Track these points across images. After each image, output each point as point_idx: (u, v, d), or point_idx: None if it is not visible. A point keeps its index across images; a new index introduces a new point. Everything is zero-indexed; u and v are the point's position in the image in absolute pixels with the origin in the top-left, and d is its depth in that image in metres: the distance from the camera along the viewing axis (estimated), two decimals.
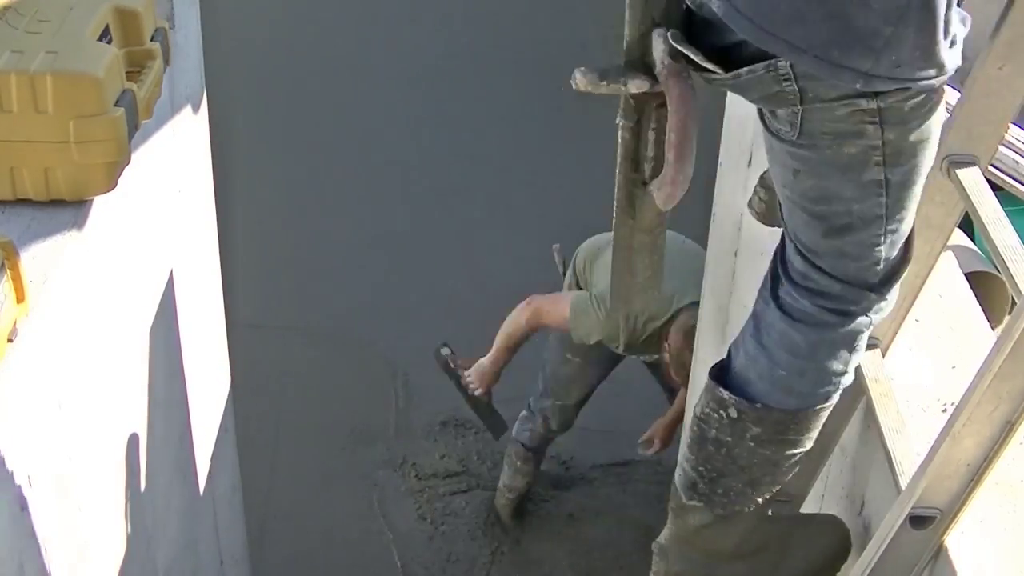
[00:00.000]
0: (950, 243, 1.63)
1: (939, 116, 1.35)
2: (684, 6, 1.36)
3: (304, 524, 4.21)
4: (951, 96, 2.18)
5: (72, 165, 1.95)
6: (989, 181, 1.54)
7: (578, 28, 7.05)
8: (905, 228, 1.42)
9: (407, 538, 4.19)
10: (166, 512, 2.71)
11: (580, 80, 1.36)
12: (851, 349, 1.48)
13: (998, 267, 1.41)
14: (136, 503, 2.40)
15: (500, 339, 3.92)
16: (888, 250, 1.41)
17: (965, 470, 1.34)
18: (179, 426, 2.85)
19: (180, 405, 2.85)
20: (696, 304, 3.34)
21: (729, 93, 2.82)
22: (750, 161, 2.57)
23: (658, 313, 3.48)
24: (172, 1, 2.63)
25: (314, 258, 5.41)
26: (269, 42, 6.79)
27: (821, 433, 1.73)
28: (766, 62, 1.29)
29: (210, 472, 3.18)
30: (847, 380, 1.52)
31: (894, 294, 1.47)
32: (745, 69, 1.30)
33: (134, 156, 2.09)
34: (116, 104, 1.98)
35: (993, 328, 1.92)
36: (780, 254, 1.51)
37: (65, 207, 1.98)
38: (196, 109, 2.88)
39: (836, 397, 1.53)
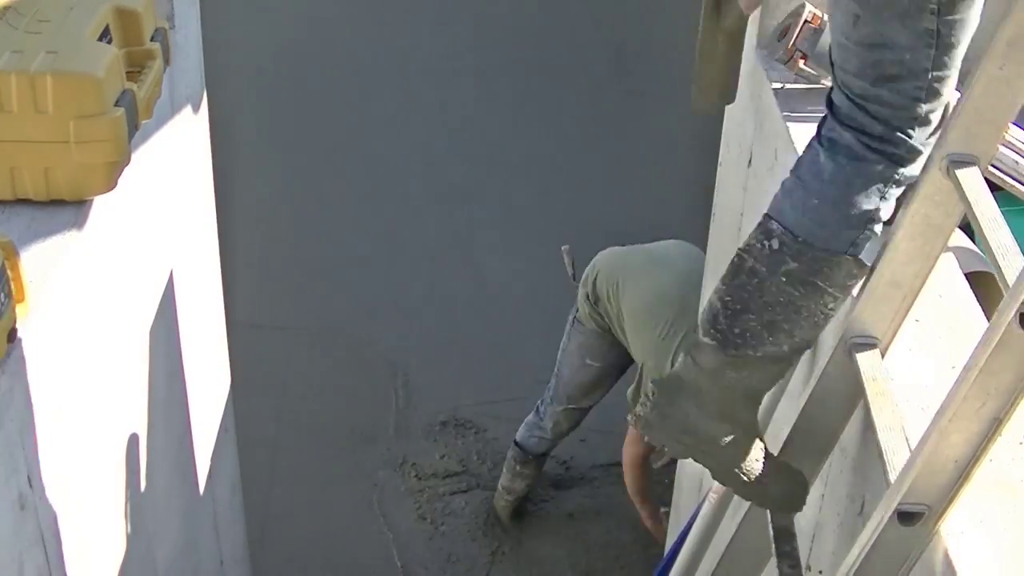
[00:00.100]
0: (950, 243, 1.64)
1: None
2: None
3: (304, 524, 4.21)
4: (952, 96, 2.19)
5: (72, 165, 1.95)
6: (989, 181, 1.55)
7: (579, 28, 7.06)
8: (946, 90, 1.54)
9: (407, 538, 4.19)
10: (166, 512, 2.71)
11: None
12: (882, 195, 1.58)
13: (992, 265, 1.41)
14: (136, 503, 2.40)
15: (635, 498, 4.04)
16: (929, 103, 1.54)
17: (953, 466, 1.33)
18: (179, 426, 2.85)
19: (180, 405, 2.85)
20: None
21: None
22: (750, 161, 2.57)
23: None
24: (172, 1, 2.63)
25: (314, 258, 5.41)
26: (269, 42, 6.79)
27: (821, 433, 1.73)
28: None
29: (210, 472, 3.18)
30: (874, 232, 1.59)
31: (928, 149, 1.56)
32: None
33: (134, 156, 2.09)
34: (116, 104, 1.98)
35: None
36: (828, 102, 1.63)
37: (65, 207, 1.98)
38: (196, 109, 2.88)
39: (864, 254, 1.60)
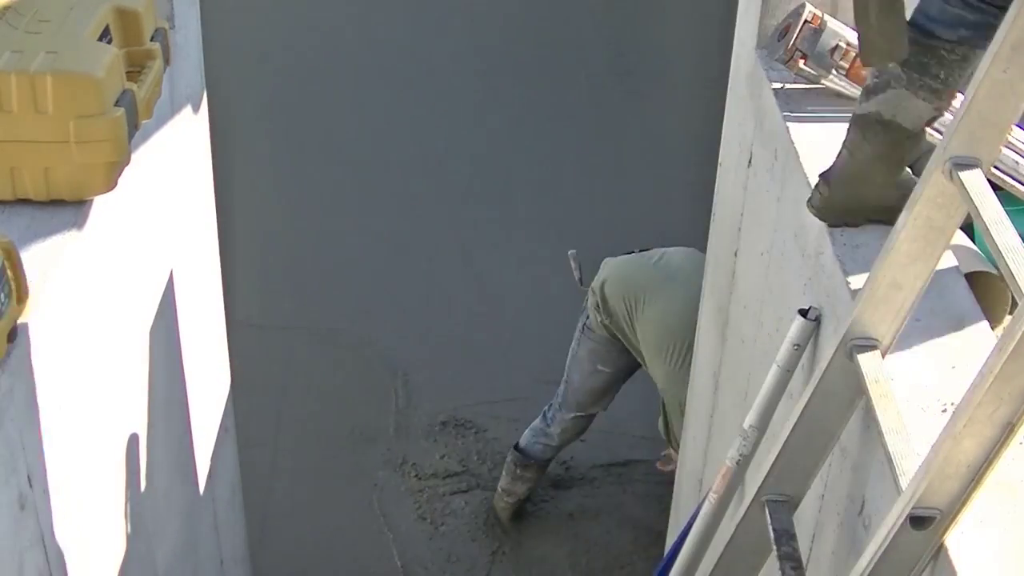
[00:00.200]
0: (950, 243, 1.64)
1: None
2: None
3: (304, 524, 4.21)
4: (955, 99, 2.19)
5: (72, 165, 1.95)
6: (990, 181, 1.55)
7: (579, 28, 7.06)
8: None
9: (407, 538, 4.19)
10: (166, 512, 2.71)
11: None
12: None
13: (999, 268, 1.41)
14: (136, 503, 2.40)
15: None
16: None
17: (966, 471, 1.34)
18: (179, 426, 2.85)
19: (180, 405, 2.85)
20: None
21: (729, 94, 2.83)
22: (750, 161, 2.57)
23: None
24: (172, 1, 2.63)
25: (314, 258, 5.41)
26: (269, 42, 6.80)
27: (821, 433, 1.73)
28: None
29: (210, 472, 3.18)
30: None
31: None
32: None
33: (134, 156, 2.09)
34: (116, 104, 1.98)
35: (993, 328, 1.92)
36: None
37: (65, 207, 1.98)
38: (196, 109, 2.88)
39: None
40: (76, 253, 1.94)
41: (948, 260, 1.92)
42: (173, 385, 2.76)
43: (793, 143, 2.18)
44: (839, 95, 2.31)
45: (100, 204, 2.04)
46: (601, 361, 3.86)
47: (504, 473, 4.18)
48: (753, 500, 1.81)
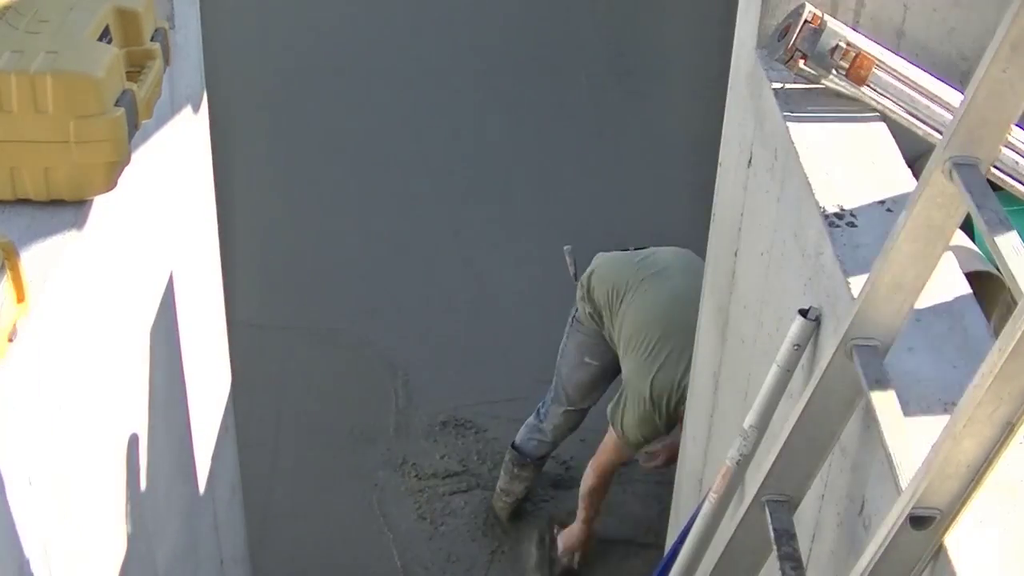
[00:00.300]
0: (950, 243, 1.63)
1: None
2: None
3: (304, 524, 4.21)
4: (954, 98, 2.19)
5: (72, 165, 1.95)
6: (989, 181, 1.55)
7: (579, 28, 7.06)
8: None
9: (407, 538, 4.19)
10: (166, 512, 2.71)
11: None
12: None
13: (999, 268, 1.41)
14: (136, 503, 2.40)
15: (587, 499, 3.99)
16: None
17: (966, 471, 1.34)
18: (179, 426, 2.85)
19: (180, 405, 2.85)
20: None
21: (729, 94, 2.83)
22: (750, 161, 2.57)
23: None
24: (172, 1, 2.63)
25: (314, 258, 5.41)
26: (269, 42, 6.80)
27: (821, 433, 1.73)
28: None
29: (210, 472, 3.18)
30: None
31: None
32: None
33: (134, 156, 2.09)
34: (116, 104, 1.98)
35: (993, 328, 1.92)
36: None
37: (65, 207, 1.98)
38: (196, 109, 2.88)
39: None
40: (76, 253, 1.94)
41: (948, 260, 1.92)
42: (173, 385, 2.76)
43: (793, 143, 2.18)
44: (839, 95, 2.31)
45: (100, 204, 2.04)
46: (589, 353, 3.88)
47: (502, 472, 4.19)
48: (753, 500, 1.81)
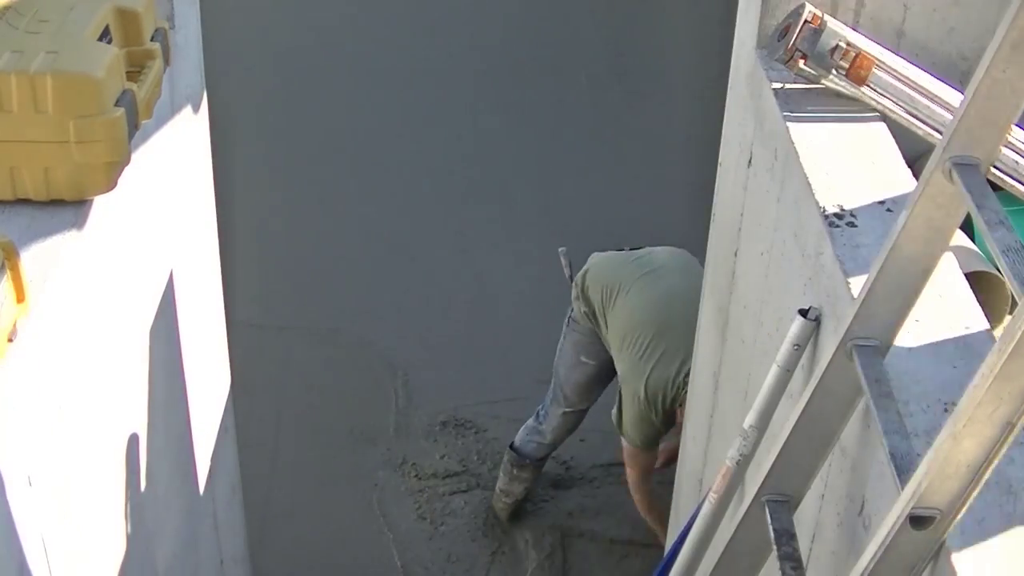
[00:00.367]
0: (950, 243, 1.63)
1: None
2: None
3: (304, 524, 4.22)
4: (954, 98, 2.19)
5: (72, 165, 1.95)
6: (989, 181, 1.55)
7: (579, 28, 7.06)
8: None
9: (407, 538, 4.19)
10: (166, 512, 2.71)
11: None
12: None
13: (1000, 268, 1.41)
14: (136, 503, 2.40)
15: (647, 516, 4.01)
16: None
17: (966, 470, 1.34)
18: (179, 426, 2.85)
19: (180, 405, 2.85)
20: None
21: (729, 94, 2.83)
22: (750, 161, 2.57)
23: (681, 394, 3.50)
24: (172, 1, 2.63)
25: (314, 258, 5.41)
26: (269, 42, 6.80)
27: (821, 433, 1.73)
28: None
29: (210, 472, 3.18)
30: None
31: None
32: None
33: (134, 156, 2.09)
34: (116, 104, 1.98)
35: (993, 328, 1.92)
36: None
37: (65, 207, 1.98)
38: (196, 109, 2.88)
39: None
40: (76, 253, 1.94)
41: (948, 260, 1.92)
42: (173, 385, 2.76)
43: (793, 143, 2.18)
44: (839, 95, 2.31)
45: (100, 204, 2.04)
46: (585, 353, 3.88)
47: (501, 473, 4.19)
48: (753, 500, 1.81)
